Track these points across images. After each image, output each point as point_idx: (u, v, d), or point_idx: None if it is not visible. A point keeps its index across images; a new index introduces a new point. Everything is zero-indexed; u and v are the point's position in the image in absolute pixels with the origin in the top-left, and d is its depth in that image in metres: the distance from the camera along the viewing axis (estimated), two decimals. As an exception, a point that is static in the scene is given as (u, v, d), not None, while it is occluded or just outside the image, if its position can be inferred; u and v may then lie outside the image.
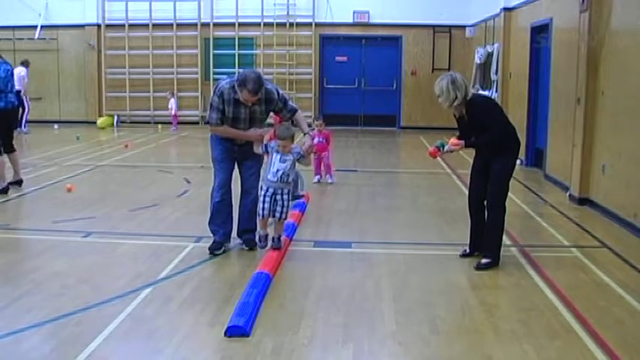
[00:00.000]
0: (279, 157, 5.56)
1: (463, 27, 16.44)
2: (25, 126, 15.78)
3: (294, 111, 5.83)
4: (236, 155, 5.83)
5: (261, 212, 5.63)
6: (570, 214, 7.63)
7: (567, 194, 8.48)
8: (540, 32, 10.83)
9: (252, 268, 5.22)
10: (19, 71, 15.60)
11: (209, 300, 4.72)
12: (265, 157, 5.77)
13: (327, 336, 4.09)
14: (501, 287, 5.10)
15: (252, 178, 5.87)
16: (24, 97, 15.69)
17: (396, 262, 5.69)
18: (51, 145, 13.42)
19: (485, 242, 5.59)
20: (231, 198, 5.86)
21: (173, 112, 17.00)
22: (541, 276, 5.29)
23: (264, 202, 5.61)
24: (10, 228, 6.71)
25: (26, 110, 15.81)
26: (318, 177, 9.40)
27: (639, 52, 6.80)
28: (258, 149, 5.67)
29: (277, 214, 5.64)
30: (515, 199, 8.12)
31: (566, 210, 7.84)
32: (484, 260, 5.49)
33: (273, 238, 5.70)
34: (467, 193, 5.87)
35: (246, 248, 5.87)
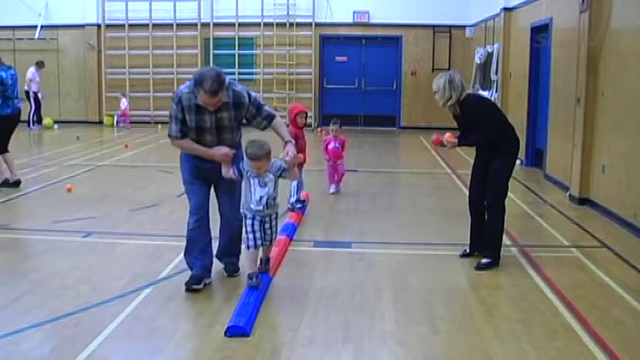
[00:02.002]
0: (257, 181, 4.64)
1: (463, 27, 16.44)
2: (34, 124, 16.05)
3: (271, 117, 4.88)
4: (209, 174, 4.89)
5: (252, 244, 4.73)
6: (570, 214, 7.63)
7: (567, 194, 8.48)
8: (540, 32, 10.83)
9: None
10: (29, 72, 15.87)
11: (209, 300, 4.72)
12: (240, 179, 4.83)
13: (327, 336, 4.09)
14: (501, 287, 5.10)
15: (229, 202, 4.99)
16: (32, 97, 15.91)
17: (396, 262, 5.69)
18: (51, 145, 13.42)
19: (485, 242, 5.59)
20: (207, 224, 4.98)
21: (122, 112, 17.27)
22: (541, 276, 5.29)
23: (252, 232, 4.71)
24: (10, 228, 6.71)
25: (33, 109, 15.98)
26: (334, 186, 8.66)
27: (639, 52, 6.80)
28: (228, 173, 4.69)
29: (267, 242, 4.86)
30: (515, 199, 8.12)
31: (566, 210, 7.84)
32: (484, 260, 5.49)
33: (261, 260, 4.96)
34: (467, 193, 5.88)
35: (226, 274, 5.15)
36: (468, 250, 5.77)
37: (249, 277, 4.69)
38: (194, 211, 4.90)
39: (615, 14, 7.51)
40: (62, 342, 3.92)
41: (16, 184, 8.73)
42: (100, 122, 17.87)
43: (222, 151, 4.72)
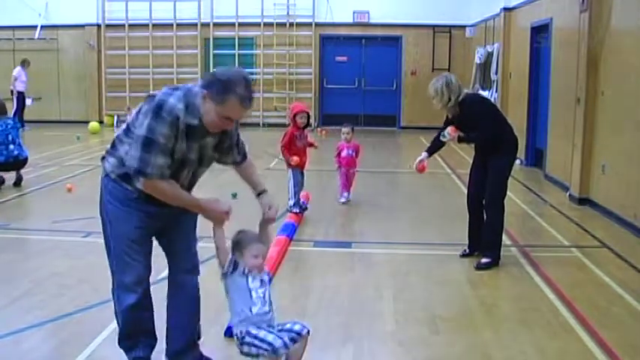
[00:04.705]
0: (258, 281, 3.37)
1: (463, 27, 16.44)
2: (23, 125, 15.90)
3: (245, 154, 3.52)
4: (161, 221, 3.36)
5: (279, 349, 3.16)
6: (570, 214, 7.63)
7: (567, 194, 8.48)
8: (540, 32, 10.83)
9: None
10: (15, 71, 15.79)
11: (209, 300, 4.70)
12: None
13: (327, 336, 4.09)
14: (501, 287, 5.11)
15: (187, 256, 3.54)
16: (17, 96, 15.79)
17: (397, 262, 5.69)
18: (51, 145, 13.42)
19: (484, 242, 5.59)
20: (151, 298, 3.51)
21: None
22: (541, 276, 5.30)
23: (271, 332, 3.24)
24: (10, 228, 6.72)
25: (15, 109, 15.76)
26: (345, 195, 8.07)
27: (639, 52, 6.80)
28: (224, 262, 3.31)
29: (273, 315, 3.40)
30: (515, 199, 8.12)
31: (566, 210, 7.84)
32: (484, 260, 5.50)
33: None
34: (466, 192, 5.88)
35: None
36: (467, 250, 5.78)
37: None
38: (138, 280, 3.36)
39: (615, 14, 7.51)
40: (62, 342, 3.92)
41: (17, 182, 8.74)
42: (101, 122, 17.84)
43: (222, 207, 3.24)
